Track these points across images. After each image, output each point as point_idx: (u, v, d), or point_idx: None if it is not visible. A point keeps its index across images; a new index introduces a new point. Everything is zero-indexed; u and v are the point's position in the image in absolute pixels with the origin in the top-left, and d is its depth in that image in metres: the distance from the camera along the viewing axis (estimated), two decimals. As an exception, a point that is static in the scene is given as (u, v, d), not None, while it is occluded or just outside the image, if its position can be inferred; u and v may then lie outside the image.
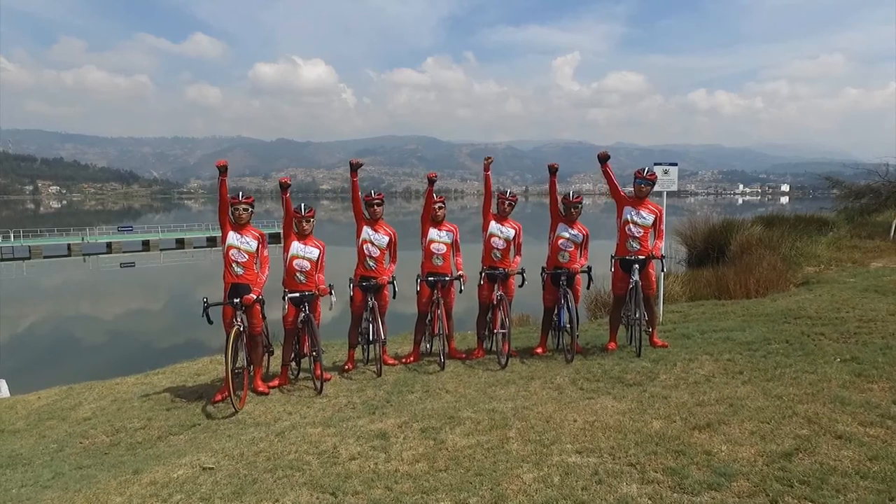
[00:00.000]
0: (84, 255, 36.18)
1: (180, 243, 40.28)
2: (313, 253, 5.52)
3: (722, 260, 25.51)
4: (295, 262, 5.48)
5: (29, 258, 34.66)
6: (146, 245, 38.90)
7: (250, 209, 5.33)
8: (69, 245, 36.37)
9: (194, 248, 40.48)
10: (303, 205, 5.48)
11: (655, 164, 9.68)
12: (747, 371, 5.03)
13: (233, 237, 5.26)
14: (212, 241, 41.71)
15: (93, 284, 27.08)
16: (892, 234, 31.88)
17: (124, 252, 37.44)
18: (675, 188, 9.85)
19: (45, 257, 35.14)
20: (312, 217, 5.55)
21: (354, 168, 5.78)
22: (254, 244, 5.32)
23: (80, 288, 25.79)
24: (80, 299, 22.24)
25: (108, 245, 37.72)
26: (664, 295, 9.80)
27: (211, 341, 10.38)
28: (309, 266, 5.49)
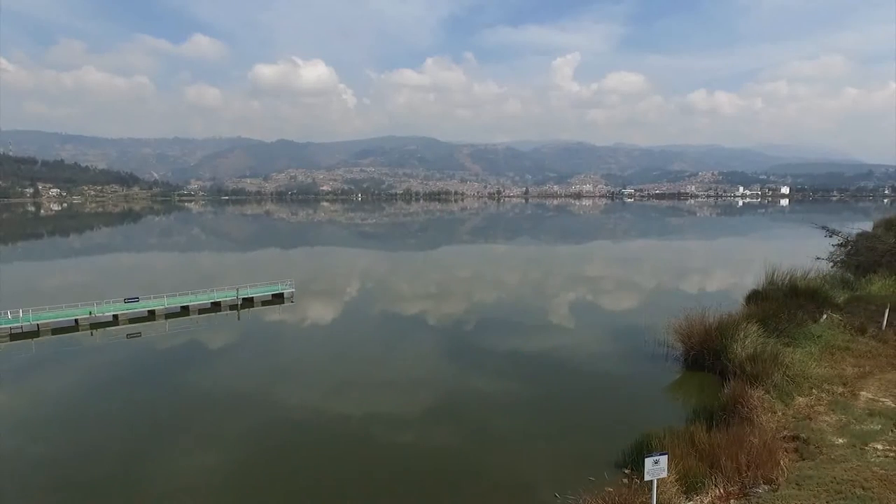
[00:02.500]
0: (91, 326, 36.80)
1: (185, 310, 40.85)
2: None
3: (718, 365, 26.36)
4: None
5: (38, 334, 35.27)
6: (151, 314, 39.50)
7: None
8: (77, 319, 36.95)
9: (199, 313, 41.07)
10: None
11: (646, 457, 10.42)
12: None
13: None
14: (216, 306, 42.31)
15: (97, 381, 27.78)
16: (884, 322, 32.48)
17: (130, 322, 38.13)
18: (664, 475, 10.51)
19: (53, 332, 35.73)
20: None
21: None
22: None
23: (83, 392, 26.50)
24: (81, 416, 22.87)
25: (115, 317, 38.33)
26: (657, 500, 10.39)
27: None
28: None
